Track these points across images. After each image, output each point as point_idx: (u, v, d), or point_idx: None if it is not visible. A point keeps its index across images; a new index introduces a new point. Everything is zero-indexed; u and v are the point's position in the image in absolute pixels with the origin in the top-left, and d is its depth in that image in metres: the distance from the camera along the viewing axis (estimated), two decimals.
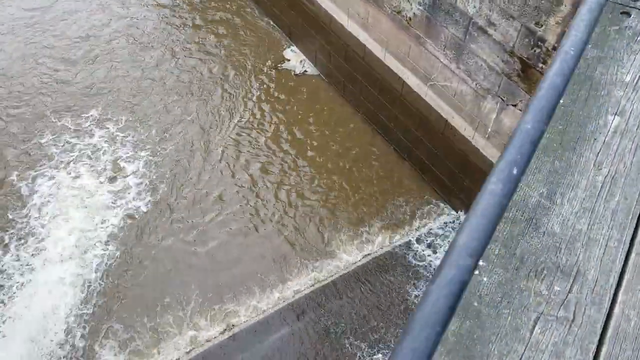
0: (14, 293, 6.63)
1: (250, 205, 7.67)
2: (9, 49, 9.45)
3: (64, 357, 6.15)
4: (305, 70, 9.64)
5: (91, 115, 8.56)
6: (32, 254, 6.93)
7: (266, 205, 7.70)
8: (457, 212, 7.78)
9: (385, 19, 7.34)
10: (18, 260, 6.90)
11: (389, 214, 7.74)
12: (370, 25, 7.74)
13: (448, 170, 7.63)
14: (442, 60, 6.78)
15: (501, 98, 6.19)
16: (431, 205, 7.82)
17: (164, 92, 9.06)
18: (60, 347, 6.21)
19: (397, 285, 6.83)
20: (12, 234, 7.14)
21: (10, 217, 7.27)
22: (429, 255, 7.06)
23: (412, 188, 8.08)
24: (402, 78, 7.64)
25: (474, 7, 5.82)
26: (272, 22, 10.48)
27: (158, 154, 8.18)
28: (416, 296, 6.71)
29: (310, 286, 6.89)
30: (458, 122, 7.06)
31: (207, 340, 6.38)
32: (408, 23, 6.98)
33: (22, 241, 7.07)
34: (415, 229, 7.50)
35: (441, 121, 7.32)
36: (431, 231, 7.37)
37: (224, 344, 6.41)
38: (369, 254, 7.20)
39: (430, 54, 6.91)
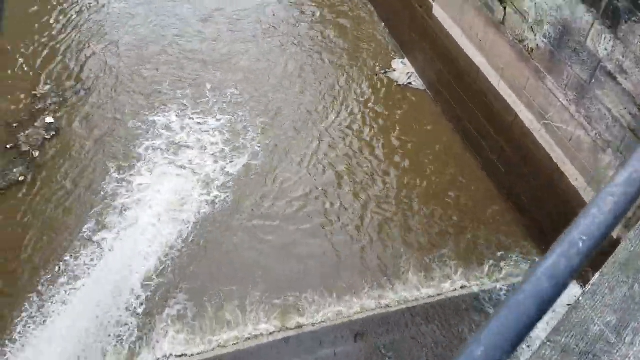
0: (122, 214, 7.31)
1: (329, 208, 7.57)
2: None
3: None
4: (410, 82, 9.25)
5: (209, 84, 9.09)
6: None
7: (345, 211, 7.54)
8: None
9: (505, 45, 6.75)
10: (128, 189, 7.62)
11: (473, 251, 7.21)
12: (487, 48, 7.17)
13: (549, 218, 6.91)
14: (561, 100, 6.09)
15: (622, 155, 5.42)
16: (521, 252, 7.15)
17: (270, 75, 9.34)
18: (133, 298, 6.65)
19: (463, 331, 6.37)
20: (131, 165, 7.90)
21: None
22: None
23: (504, 228, 7.45)
24: (515, 110, 7.00)
25: (605, 49, 5.10)
26: (386, 28, 10.18)
27: (258, 136, 8.43)
28: None
29: (373, 309, 6.67)
30: (569, 170, 6.33)
31: (261, 335, 6.44)
32: (529, 54, 6.35)
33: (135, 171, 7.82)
34: (500, 276, 6.91)
35: (551, 164, 6.61)
36: (515, 282, 6.74)
37: (276, 345, 6.43)
38: (441, 293, 6.79)
39: (549, 90, 6.24)
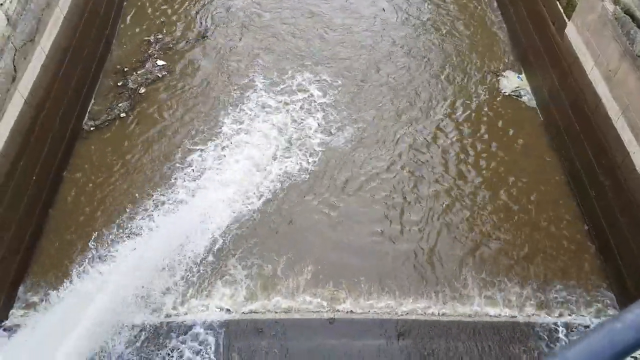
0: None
1: (399, 205, 7.51)
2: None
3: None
4: (520, 95, 8.89)
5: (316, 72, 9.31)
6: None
7: (415, 211, 7.45)
8: None
9: (636, 81, 6.29)
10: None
11: (548, 286, 6.81)
12: (615, 79, 6.72)
13: (637, 272, 6.42)
14: None
15: None
16: (597, 300, 6.70)
17: (372, 61, 9.35)
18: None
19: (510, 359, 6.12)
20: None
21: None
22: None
23: (587, 274, 6.97)
24: (628, 150, 6.54)
25: None
26: (508, 37, 9.82)
27: (349, 124, 8.49)
28: None
29: (425, 314, 6.57)
30: None
31: (308, 312, 6.54)
32: None
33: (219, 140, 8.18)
34: (566, 314, 6.54)
35: None
36: (580, 325, 6.35)
37: (322, 323, 6.51)
38: (500, 315, 6.55)
39: None
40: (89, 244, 6.81)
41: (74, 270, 6.52)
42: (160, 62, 9.41)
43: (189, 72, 9.28)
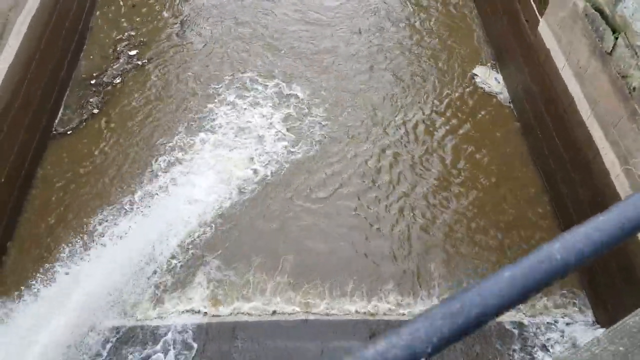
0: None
1: (373, 206, 7.49)
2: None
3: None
4: (495, 92, 8.90)
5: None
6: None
7: (388, 212, 7.43)
8: (593, 324, 6.55)
9: (605, 78, 6.32)
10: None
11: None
12: (586, 78, 6.74)
13: (609, 275, 6.44)
14: None
15: None
16: (570, 303, 6.71)
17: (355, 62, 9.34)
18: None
19: (482, 356, 6.15)
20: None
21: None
22: (535, 351, 6.14)
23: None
24: (598, 148, 6.57)
25: None
26: (484, 34, 9.82)
27: (329, 120, 8.45)
28: None
29: (397, 314, 6.57)
30: None
31: (282, 313, 6.51)
32: (630, 93, 5.91)
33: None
34: (538, 315, 6.56)
35: None
36: (552, 326, 6.38)
37: (297, 324, 6.49)
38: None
39: None
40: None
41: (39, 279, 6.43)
42: (132, 52, 9.33)
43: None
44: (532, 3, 8.01)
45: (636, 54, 5.80)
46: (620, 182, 6.19)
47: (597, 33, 6.46)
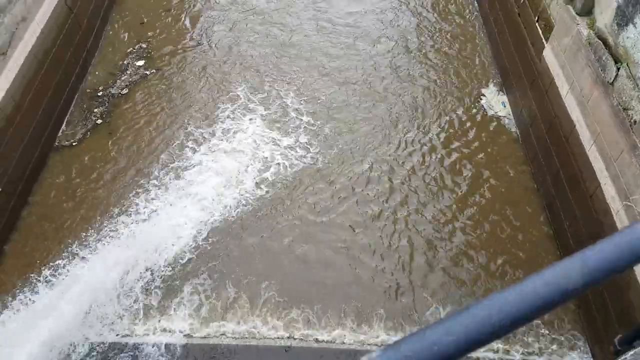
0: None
1: (365, 228, 7.34)
2: None
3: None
4: (500, 116, 8.68)
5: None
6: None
7: (381, 237, 7.26)
8: None
9: (607, 109, 6.07)
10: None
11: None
12: (588, 106, 6.50)
13: (605, 312, 6.13)
14: None
15: None
16: (570, 340, 6.41)
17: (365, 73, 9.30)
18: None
19: None
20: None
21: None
22: None
23: (559, 314, 6.69)
24: (599, 180, 6.31)
25: None
26: (490, 56, 9.63)
27: (326, 134, 8.39)
28: None
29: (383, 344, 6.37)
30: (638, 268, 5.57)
31: (265, 337, 6.39)
32: (630, 125, 5.66)
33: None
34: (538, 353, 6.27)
35: None
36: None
37: (277, 351, 6.36)
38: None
39: None
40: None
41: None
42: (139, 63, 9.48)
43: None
44: (538, 28, 7.81)
45: (637, 85, 5.56)
46: (621, 219, 5.91)
47: (599, 62, 6.23)
